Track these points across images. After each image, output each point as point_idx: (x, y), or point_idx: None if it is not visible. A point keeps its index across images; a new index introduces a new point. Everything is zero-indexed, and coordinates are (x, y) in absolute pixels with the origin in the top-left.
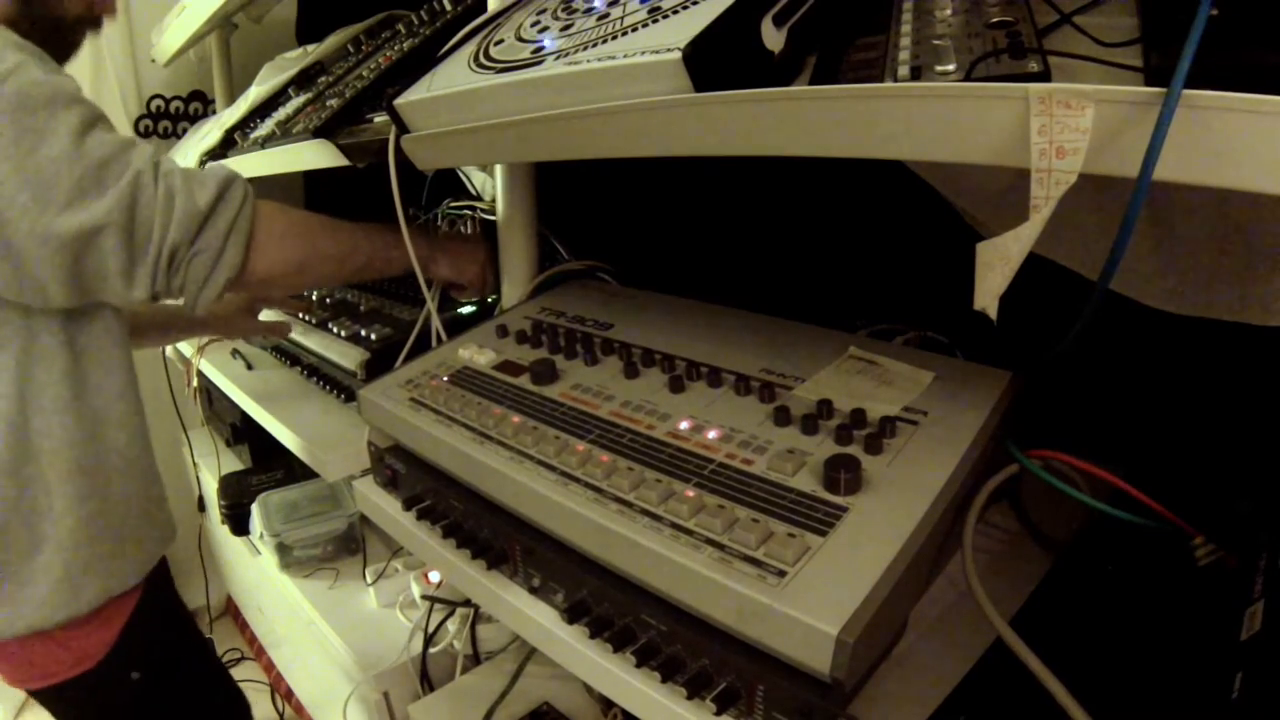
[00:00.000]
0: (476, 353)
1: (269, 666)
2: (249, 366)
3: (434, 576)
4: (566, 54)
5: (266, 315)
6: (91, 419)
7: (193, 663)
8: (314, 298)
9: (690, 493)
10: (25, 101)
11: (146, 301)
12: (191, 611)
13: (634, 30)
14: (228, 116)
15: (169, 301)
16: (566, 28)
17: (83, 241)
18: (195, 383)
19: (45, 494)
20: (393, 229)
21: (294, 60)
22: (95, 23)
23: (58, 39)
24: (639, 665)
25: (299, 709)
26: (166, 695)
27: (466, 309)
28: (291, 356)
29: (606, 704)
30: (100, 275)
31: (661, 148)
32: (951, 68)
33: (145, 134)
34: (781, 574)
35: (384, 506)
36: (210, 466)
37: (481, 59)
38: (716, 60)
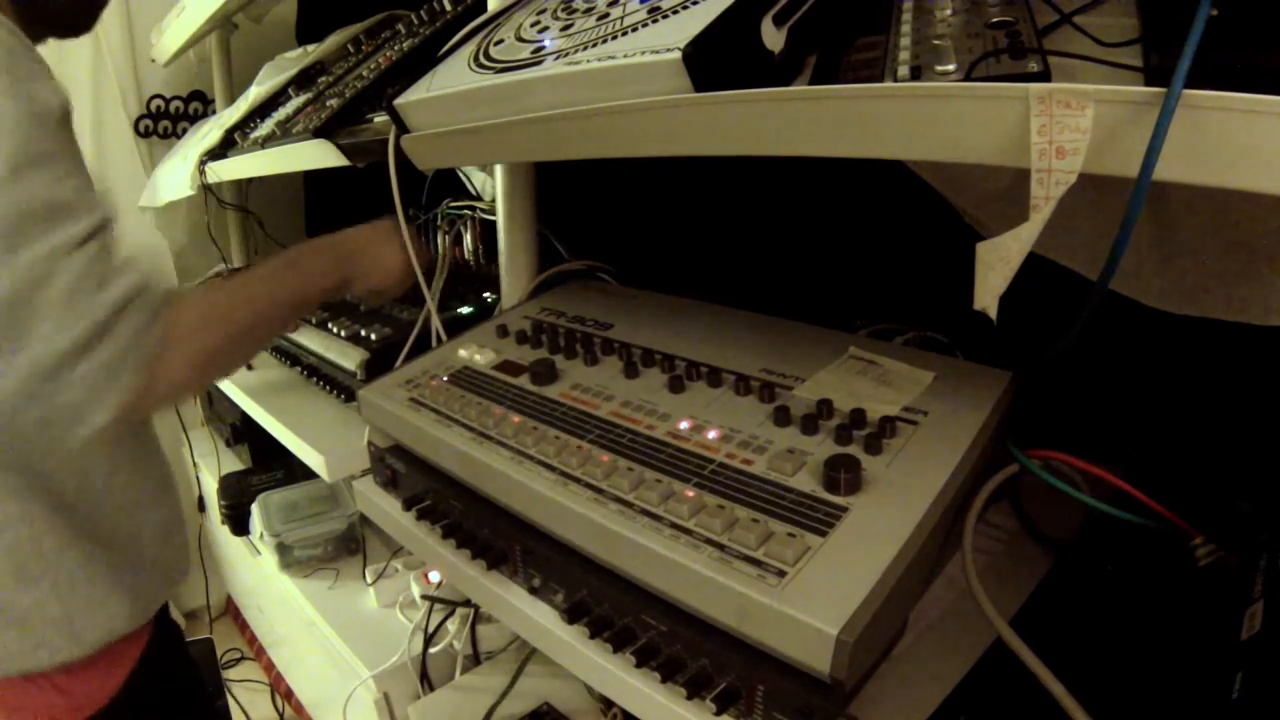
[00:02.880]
0: (476, 353)
1: (269, 666)
2: (249, 366)
3: (434, 576)
4: (566, 54)
5: None
6: (82, 455)
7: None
8: None
9: (690, 493)
10: None
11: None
12: (192, 611)
13: (634, 30)
14: (228, 116)
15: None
16: (566, 28)
17: None
18: None
19: (34, 532)
20: (297, 268)
21: (294, 60)
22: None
23: (55, 25)
24: (639, 665)
25: (299, 709)
26: None
27: (466, 309)
28: (291, 356)
29: (606, 704)
30: None
31: (661, 148)
32: (951, 68)
33: (145, 134)
34: (781, 574)
35: (384, 506)
36: (210, 466)
37: (481, 59)
38: (716, 60)
